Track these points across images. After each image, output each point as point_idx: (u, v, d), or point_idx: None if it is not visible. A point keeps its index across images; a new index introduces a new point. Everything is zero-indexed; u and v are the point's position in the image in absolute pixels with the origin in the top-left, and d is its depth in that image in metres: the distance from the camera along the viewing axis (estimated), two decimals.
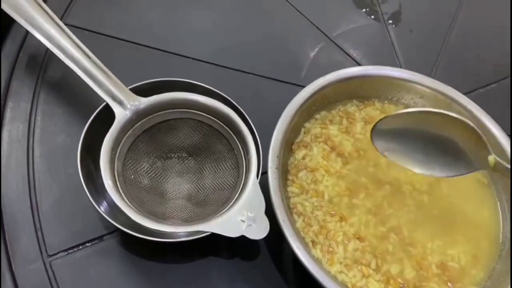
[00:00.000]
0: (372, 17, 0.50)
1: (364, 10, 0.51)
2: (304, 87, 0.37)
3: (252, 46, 0.46)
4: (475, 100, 0.37)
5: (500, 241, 0.34)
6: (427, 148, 0.33)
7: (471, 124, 0.30)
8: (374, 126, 0.33)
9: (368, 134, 0.37)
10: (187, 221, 0.32)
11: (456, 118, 0.31)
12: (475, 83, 0.46)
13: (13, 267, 0.32)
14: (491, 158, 0.30)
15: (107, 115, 0.33)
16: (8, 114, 0.38)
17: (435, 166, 0.33)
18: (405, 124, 0.33)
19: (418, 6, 0.52)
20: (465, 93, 0.38)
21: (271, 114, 0.35)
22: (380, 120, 0.33)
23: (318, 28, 0.48)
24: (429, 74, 0.45)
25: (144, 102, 0.33)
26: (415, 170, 0.34)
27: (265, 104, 0.41)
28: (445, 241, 0.33)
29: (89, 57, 0.34)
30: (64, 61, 0.34)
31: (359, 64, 0.46)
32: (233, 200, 0.32)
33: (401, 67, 0.47)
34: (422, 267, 0.32)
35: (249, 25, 0.48)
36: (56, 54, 0.35)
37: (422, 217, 0.34)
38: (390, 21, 0.50)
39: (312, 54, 0.47)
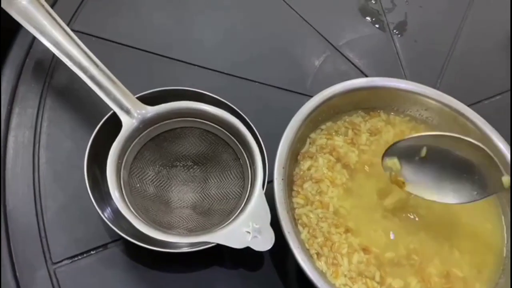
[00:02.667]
0: (377, 26, 0.50)
1: (369, 19, 0.51)
2: (309, 96, 0.37)
3: (258, 54, 0.46)
4: (479, 111, 0.37)
5: (504, 255, 0.34)
6: (440, 174, 0.32)
7: (482, 146, 0.30)
8: (387, 149, 0.33)
9: (374, 144, 0.37)
10: (192, 231, 0.33)
11: (467, 140, 0.31)
12: (479, 95, 0.46)
13: (17, 274, 0.32)
14: (505, 179, 0.30)
15: (114, 122, 0.33)
16: (14, 120, 0.38)
17: (448, 193, 0.33)
18: (416, 149, 0.32)
19: (423, 16, 0.52)
20: (469, 105, 0.38)
21: (277, 124, 0.35)
22: (391, 145, 0.33)
23: (324, 37, 0.48)
24: (434, 85, 0.45)
25: (151, 111, 0.34)
26: (429, 197, 0.33)
27: (271, 113, 0.41)
28: (449, 254, 0.33)
29: (96, 65, 0.34)
30: (72, 69, 0.35)
31: (364, 74, 0.46)
32: (239, 211, 0.32)
33: (406, 78, 0.47)
34: (425, 280, 0.32)
35: (255, 33, 0.48)
36: (64, 61, 0.35)
37: (426, 230, 0.34)
38: (396, 31, 0.50)
39: (317, 63, 0.47)
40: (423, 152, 0.33)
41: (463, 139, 0.31)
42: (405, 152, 0.33)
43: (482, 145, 0.31)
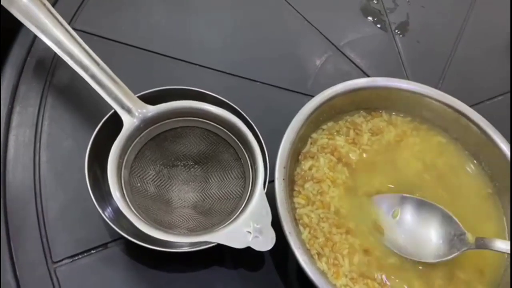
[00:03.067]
0: (379, 26, 0.50)
1: (371, 19, 0.51)
2: (311, 96, 0.37)
3: (259, 54, 0.46)
4: (481, 112, 0.37)
5: (506, 256, 0.34)
6: (412, 233, 0.33)
7: (444, 209, 0.33)
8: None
9: (375, 145, 0.37)
10: (193, 230, 0.32)
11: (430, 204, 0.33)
12: (481, 95, 0.46)
13: (17, 273, 0.32)
14: (469, 236, 0.32)
15: (114, 121, 0.33)
16: (15, 119, 0.38)
17: (420, 250, 0.32)
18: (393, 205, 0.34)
19: (425, 17, 0.52)
20: (471, 105, 0.38)
21: (278, 123, 0.35)
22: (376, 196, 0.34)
23: (326, 37, 0.48)
24: (435, 85, 0.45)
25: (152, 110, 0.33)
26: (400, 253, 0.33)
27: (272, 113, 0.41)
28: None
29: (98, 64, 0.34)
30: (73, 67, 0.34)
31: (365, 74, 0.46)
32: (239, 211, 0.32)
33: (407, 78, 0.47)
34: (428, 281, 0.32)
35: (256, 33, 0.48)
36: (65, 60, 0.35)
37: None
38: (398, 31, 0.50)
39: (319, 63, 0.47)
40: (396, 213, 0.34)
41: (425, 201, 0.33)
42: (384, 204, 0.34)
43: (442, 207, 0.33)
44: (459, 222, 0.32)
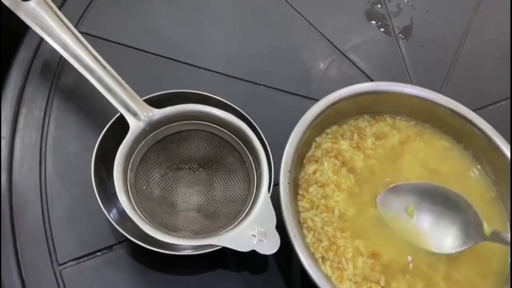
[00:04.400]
0: (383, 30, 0.50)
1: (375, 23, 0.51)
2: (315, 100, 0.37)
3: (264, 57, 0.47)
4: (484, 117, 0.37)
5: (509, 260, 0.34)
6: (428, 223, 0.33)
7: (462, 196, 0.32)
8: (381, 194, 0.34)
9: (379, 149, 0.37)
10: (198, 233, 0.33)
11: (449, 190, 0.33)
12: (485, 100, 0.46)
13: (23, 275, 0.32)
14: (486, 227, 0.32)
15: (120, 124, 0.33)
16: (21, 121, 0.38)
17: (435, 242, 0.33)
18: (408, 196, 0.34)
19: (429, 21, 0.52)
20: (474, 110, 0.38)
21: (282, 127, 0.35)
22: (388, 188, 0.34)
23: (329, 41, 0.49)
24: (439, 90, 0.45)
25: (157, 113, 0.34)
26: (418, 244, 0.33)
27: (276, 116, 0.41)
28: (454, 259, 0.33)
29: (104, 67, 0.35)
30: (79, 71, 0.35)
31: (369, 78, 0.46)
32: (244, 214, 0.32)
33: (411, 82, 0.47)
34: (430, 285, 0.32)
35: (261, 37, 0.48)
36: (72, 63, 0.35)
37: None
38: (401, 36, 0.50)
39: (323, 67, 0.47)
40: (411, 210, 0.34)
41: (443, 188, 0.33)
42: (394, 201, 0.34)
43: (461, 194, 0.33)
44: (477, 210, 0.32)
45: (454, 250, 0.33)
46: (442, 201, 0.34)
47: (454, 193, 0.33)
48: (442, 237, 0.33)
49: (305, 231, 0.33)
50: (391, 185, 0.35)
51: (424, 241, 0.33)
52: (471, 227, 0.32)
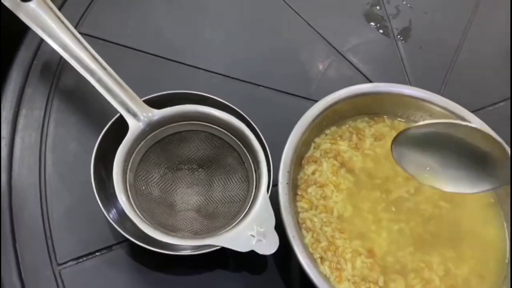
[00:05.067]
0: (381, 31, 0.51)
1: (374, 25, 0.51)
2: (314, 100, 0.37)
3: (263, 59, 0.47)
4: (483, 118, 0.37)
5: (507, 261, 0.34)
6: (452, 163, 0.32)
7: (495, 136, 0.31)
8: (396, 137, 0.33)
9: (378, 150, 0.37)
10: (197, 233, 0.33)
11: (480, 130, 0.31)
12: (483, 101, 0.46)
13: (22, 275, 0.32)
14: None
15: (120, 124, 0.33)
16: (21, 122, 0.39)
17: (460, 181, 0.32)
18: (427, 137, 0.32)
19: (428, 23, 0.52)
20: (473, 111, 0.38)
21: (281, 127, 0.35)
22: (403, 131, 0.32)
23: (329, 42, 0.49)
24: (438, 91, 0.45)
25: (157, 114, 0.34)
26: (436, 185, 0.33)
27: (275, 117, 0.41)
28: (452, 260, 0.33)
29: (104, 68, 0.35)
30: (79, 71, 0.35)
31: (368, 79, 0.47)
32: (243, 214, 0.32)
33: (410, 83, 0.47)
34: (428, 285, 0.32)
35: (260, 38, 0.49)
36: (72, 64, 0.35)
37: (429, 235, 0.34)
38: (400, 37, 0.51)
39: (322, 68, 0.47)
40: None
41: (476, 129, 0.31)
42: (415, 140, 0.33)
43: (496, 135, 0.31)
44: (509, 155, 0.30)
45: (475, 190, 0.32)
46: (464, 144, 0.32)
47: (478, 131, 0.31)
48: (461, 178, 0.33)
49: (304, 232, 0.33)
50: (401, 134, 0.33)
51: (443, 179, 0.33)
52: (496, 167, 0.31)
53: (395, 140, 0.33)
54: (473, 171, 0.32)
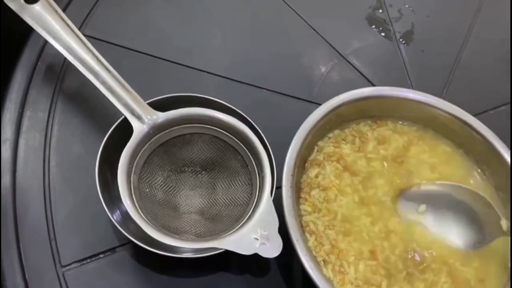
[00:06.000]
0: (383, 34, 0.51)
1: (376, 28, 0.51)
2: (317, 104, 0.37)
3: (267, 62, 0.47)
4: (485, 122, 0.37)
5: (508, 265, 0.34)
6: (444, 220, 0.34)
7: (477, 192, 0.33)
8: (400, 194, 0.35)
9: (381, 154, 0.38)
10: (200, 236, 0.33)
11: (467, 189, 0.34)
12: (485, 105, 0.46)
13: (26, 277, 0.32)
14: (504, 223, 0.32)
15: (124, 126, 0.34)
16: (25, 123, 0.39)
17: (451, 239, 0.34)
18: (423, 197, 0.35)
19: (430, 26, 0.53)
20: (475, 115, 0.38)
21: (284, 130, 0.35)
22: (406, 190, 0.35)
23: (331, 45, 0.49)
24: (440, 95, 0.46)
25: (161, 116, 0.34)
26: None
27: (278, 120, 0.41)
28: (453, 264, 0.33)
29: (108, 70, 0.35)
30: (84, 73, 0.35)
31: (370, 82, 0.47)
32: (246, 217, 0.32)
33: (412, 87, 0.47)
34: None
35: (264, 41, 0.49)
36: (76, 66, 0.35)
37: (431, 238, 0.34)
38: (402, 40, 0.51)
39: (324, 71, 0.47)
40: (422, 208, 0.35)
41: (463, 187, 0.34)
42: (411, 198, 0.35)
43: (481, 193, 0.33)
44: (496, 209, 0.33)
45: (470, 248, 0.33)
46: (456, 202, 0.34)
47: (470, 191, 0.34)
48: (457, 235, 0.34)
49: (307, 235, 0.33)
50: (407, 190, 0.35)
51: (440, 241, 0.34)
52: (487, 224, 0.33)
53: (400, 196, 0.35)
54: (464, 229, 0.34)
